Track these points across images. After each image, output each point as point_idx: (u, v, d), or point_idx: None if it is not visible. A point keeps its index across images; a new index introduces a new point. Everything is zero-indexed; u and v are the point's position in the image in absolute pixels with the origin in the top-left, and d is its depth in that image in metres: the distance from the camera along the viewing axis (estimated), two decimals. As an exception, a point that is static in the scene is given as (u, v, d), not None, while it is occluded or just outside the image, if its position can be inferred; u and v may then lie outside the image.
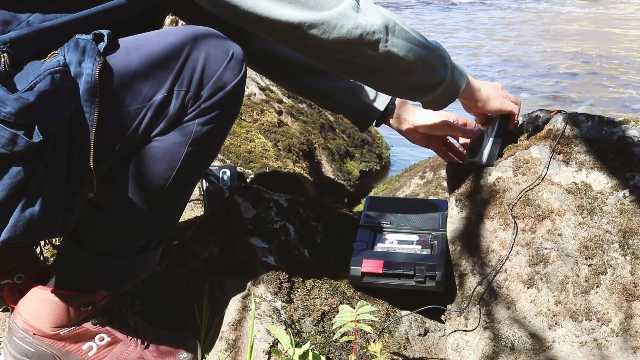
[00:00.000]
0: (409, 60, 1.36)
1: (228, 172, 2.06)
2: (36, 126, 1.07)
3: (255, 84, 2.95)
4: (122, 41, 1.20)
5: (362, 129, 1.82)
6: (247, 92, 2.89)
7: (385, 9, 1.38)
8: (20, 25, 1.15)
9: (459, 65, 1.51)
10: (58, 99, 1.10)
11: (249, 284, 1.51)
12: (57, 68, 1.11)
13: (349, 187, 3.00)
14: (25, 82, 1.09)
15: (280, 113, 2.91)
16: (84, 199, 1.21)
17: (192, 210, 2.13)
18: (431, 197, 2.19)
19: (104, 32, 1.17)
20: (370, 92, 1.75)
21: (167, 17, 1.52)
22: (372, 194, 2.81)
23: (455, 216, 1.70)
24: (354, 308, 1.35)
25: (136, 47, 1.20)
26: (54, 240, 1.74)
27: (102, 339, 1.38)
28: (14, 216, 1.11)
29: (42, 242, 1.67)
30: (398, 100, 1.75)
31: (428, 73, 1.41)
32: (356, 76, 1.46)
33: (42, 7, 1.17)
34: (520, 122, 1.78)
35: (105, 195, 1.24)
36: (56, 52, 1.14)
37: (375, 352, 1.35)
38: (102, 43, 1.16)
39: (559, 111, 1.73)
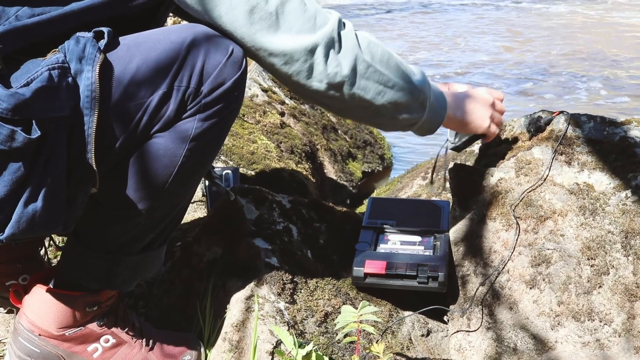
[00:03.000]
0: (376, 103, 1.35)
1: (231, 174, 2.07)
2: (34, 122, 1.08)
3: (257, 85, 2.96)
4: (122, 39, 1.21)
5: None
6: (249, 93, 2.90)
7: (372, 37, 1.35)
8: (8, 20, 1.16)
9: (440, 98, 1.48)
10: (55, 95, 1.11)
11: (252, 284, 1.51)
12: (56, 64, 1.12)
13: (351, 188, 3.00)
14: (24, 78, 1.10)
15: (282, 114, 2.92)
16: (87, 195, 1.21)
17: (195, 212, 2.14)
18: (433, 198, 2.19)
19: (105, 29, 1.18)
20: None
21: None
22: (374, 194, 2.81)
23: (457, 217, 1.70)
24: (356, 309, 1.35)
25: (136, 44, 1.20)
26: (57, 241, 1.75)
27: (107, 341, 1.38)
28: (17, 212, 1.11)
29: (46, 243, 1.67)
30: None
31: (400, 115, 1.40)
32: (326, 109, 1.45)
33: (31, 1, 1.17)
34: (522, 123, 1.78)
35: (108, 193, 1.25)
36: (57, 49, 1.15)
37: (378, 352, 1.35)
38: (102, 40, 1.17)
39: (561, 112, 1.73)
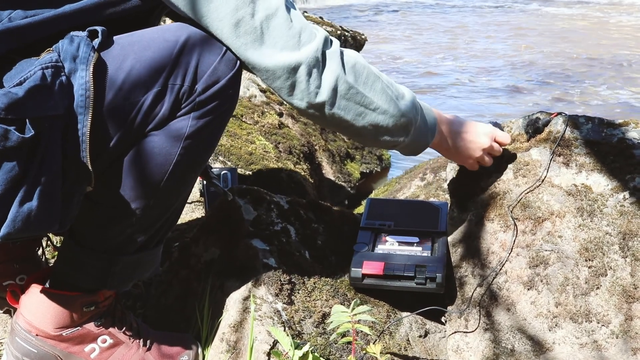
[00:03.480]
0: (357, 124, 1.36)
1: (229, 174, 2.07)
2: (27, 121, 1.08)
3: (256, 85, 2.96)
4: (116, 38, 1.22)
5: None
6: (248, 94, 2.90)
7: (360, 58, 1.35)
8: (2, 22, 1.17)
9: (430, 123, 1.49)
10: (49, 94, 1.11)
11: (250, 285, 1.51)
12: (49, 64, 1.12)
13: (349, 189, 3.00)
14: (17, 78, 1.11)
15: (280, 115, 2.92)
16: (82, 193, 1.22)
17: (193, 212, 2.14)
18: (431, 199, 2.19)
19: (99, 28, 1.18)
20: None
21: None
22: (372, 195, 2.81)
23: (455, 218, 1.70)
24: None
25: (130, 43, 1.21)
26: (55, 241, 1.75)
27: (104, 341, 1.38)
28: (12, 211, 1.11)
29: (44, 244, 1.67)
30: None
31: (382, 137, 1.41)
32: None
33: (24, 4, 1.18)
34: (520, 124, 1.78)
35: (104, 191, 1.25)
36: (51, 48, 1.16)
37: (375, 353, 1.35)
38: (96, 39, 1.17)
39: (559, 113, 1.73)
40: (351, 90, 1.32)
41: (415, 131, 1.45)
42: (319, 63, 1.28)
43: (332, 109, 1.32)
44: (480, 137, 1.60)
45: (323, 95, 1.30)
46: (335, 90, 1.30)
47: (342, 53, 1.33)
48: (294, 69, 1.26)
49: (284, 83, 1.28)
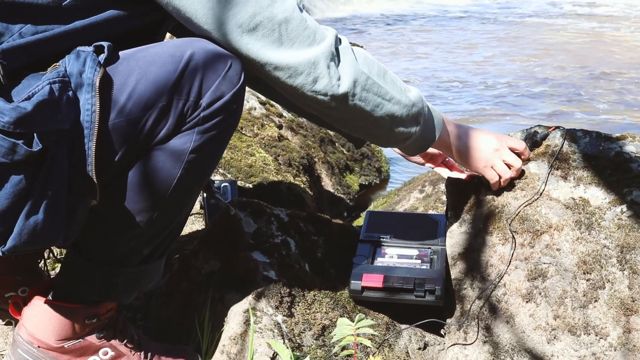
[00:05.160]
0: (375, 115, 1.38)
1: (229, 186, 2.08)
2: (35, 135, 1.09)
3: (255, 98, 2.98)
4: (122, 53, 1.23)
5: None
6: (247, 106, 2.91)
7: (366, 53, 1.39)
8: (12, 37, 1.17)
9: (436, 117, 1.51)
10: (57, 108, 1.12)
11: (250, 298, 1.52)
12: (57, 78, 1.13)
13: (348, 201, 3.01)
14: (25, 92, 1.12)
15: (280, 127, 2.93)
16: (87, 207, 1.23)
17: (193, 224, 2.14)
18: (430, 211, 2.20)
19: (105, 44, 1.20)
20: None
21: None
22: (371, 207, 2.82)
23: (454, 231, 1.71)
24: (353, 322, 1.36)
25: (136, 58, 1.22)
26: (56, 253, 1.75)
27: (106, 353, 1.39)
28: (18, 224, 1.12)
29: (45, 255, 1.68)
30: None
31: (396, 128, 1.43)
32: (324, 123, 1.46)
33: (34, 19, 1.19)
34: (518, 138, 1.79)
35: (108, 204, 1.26)
36: (57, 63, 1.17)
37: (375, 365, 1.36)
38: (102, 54, 1.19)
39: (557, 127, 1.74)
40: (369, 81, 1.35)
41: (424, 123, 1.47)
42: (335, 57, 1.31)
43: (354, 100, 1.34)
44: (488, 139, 1.60)
45: (345, 86, 1.32)
46: (355, 81, 1.33)
47: (352, 48, 1.36)
48: (314, 64, 1.29)
49: (306, 78, 1.29)
